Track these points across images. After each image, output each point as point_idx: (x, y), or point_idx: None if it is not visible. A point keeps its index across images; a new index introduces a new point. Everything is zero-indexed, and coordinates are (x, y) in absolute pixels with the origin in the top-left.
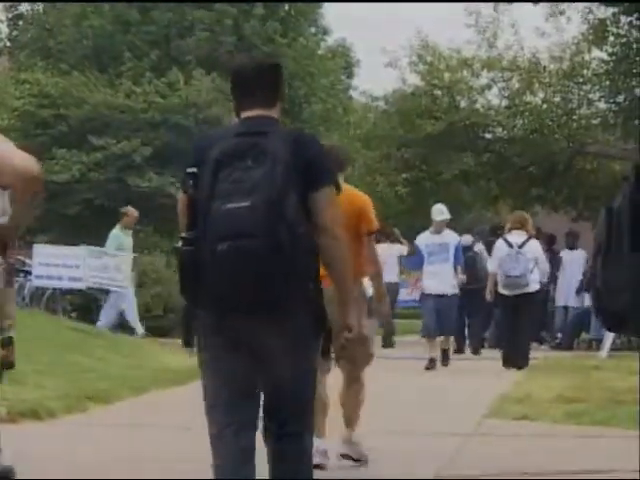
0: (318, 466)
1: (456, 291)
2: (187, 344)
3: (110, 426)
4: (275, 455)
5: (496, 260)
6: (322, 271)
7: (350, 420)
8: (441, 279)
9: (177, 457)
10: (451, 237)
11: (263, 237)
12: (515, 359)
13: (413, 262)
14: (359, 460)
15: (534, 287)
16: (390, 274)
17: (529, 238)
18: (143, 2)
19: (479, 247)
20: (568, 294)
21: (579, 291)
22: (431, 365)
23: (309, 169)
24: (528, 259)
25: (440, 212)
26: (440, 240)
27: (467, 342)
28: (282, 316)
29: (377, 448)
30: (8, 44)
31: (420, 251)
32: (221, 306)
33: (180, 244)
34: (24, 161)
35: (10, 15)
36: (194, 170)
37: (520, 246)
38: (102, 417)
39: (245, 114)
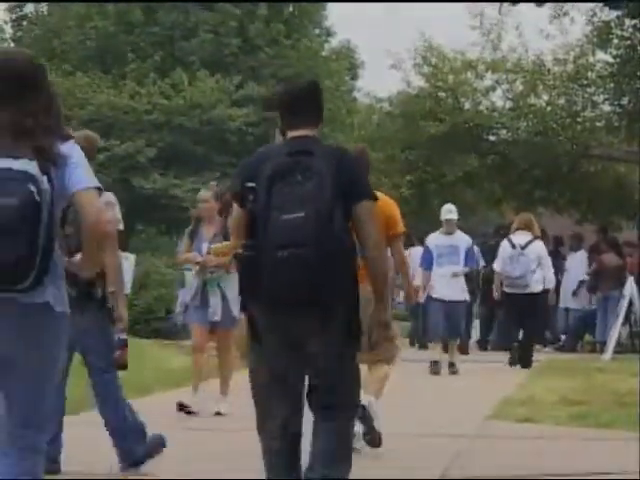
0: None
1: (467, 297)
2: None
3: None
4: (319, 436)
5: (500, 260)
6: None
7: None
8: (451, 284)
9: (178, 457)
10: (463, 240)
11: (315, 246)
12: (520, 358)
13: (426, 260)
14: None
15: (537, 288)
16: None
17: (533, 239)
18: (148, 1)
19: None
20: (570, 296)
21: (574, 293)
22: (436, 369)
23: (351, 185)
24: (530, 260)
25: (448, 211)
26: (450, 241)
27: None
28: (328, 314)
29: (380, 450)
30: (12, 45)
31: (430, 251)
32: (277, 305)
33: (242, 250)
34: (94, 216)
35: (14, 16)
36: (253, 185)
37: (523, 247)
38: None
39: (292, 134)
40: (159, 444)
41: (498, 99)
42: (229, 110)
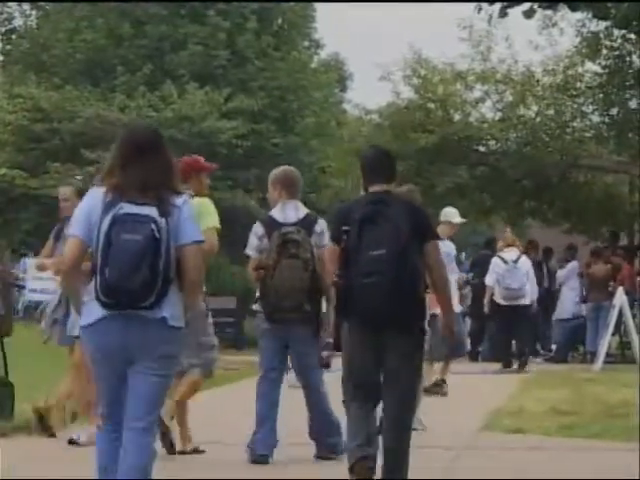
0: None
1: (460, 308)
2: (337, 348)
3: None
4: (390, 422)
5: (494, 275)
6: None
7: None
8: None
9: (177, 458)
10: (450, 247)
11: (393, 275)
12: (520, 363)
13: None
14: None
15: (528, 300)
16: None
17: (521, 255)
18: (141, 1)
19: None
20: (564, 307)
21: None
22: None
23: (421, 228)
24: (523, 273)
25: (457, 214)
26: (443, 248)
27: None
28: (403, 328)
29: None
30: (1, 58)
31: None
32: (365, 320)
33: (337, 279)
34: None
35: (3, 29)
36: (347, 228)
37: (515, 261)
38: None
39: (372, 188)
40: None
41: (488, 110)
42: (218, 123)
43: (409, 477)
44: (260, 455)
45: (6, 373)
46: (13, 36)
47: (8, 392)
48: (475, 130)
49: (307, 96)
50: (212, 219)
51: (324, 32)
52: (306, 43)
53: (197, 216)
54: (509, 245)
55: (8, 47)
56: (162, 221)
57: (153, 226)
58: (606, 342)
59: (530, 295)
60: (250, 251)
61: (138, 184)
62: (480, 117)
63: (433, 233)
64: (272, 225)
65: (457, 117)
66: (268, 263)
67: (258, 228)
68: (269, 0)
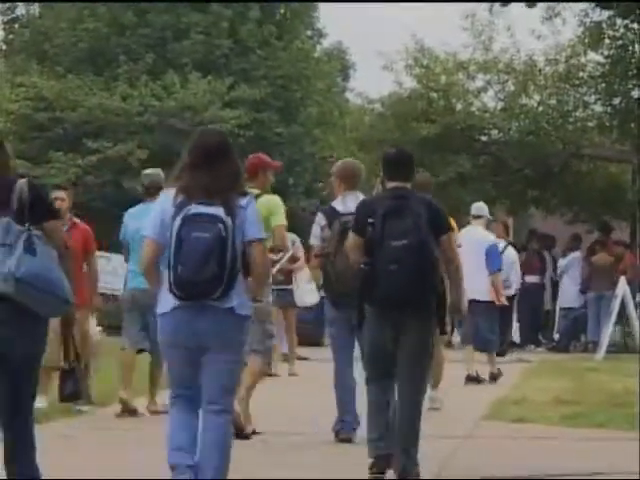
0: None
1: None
2: (359, 326)
3: (111, 429)
4: (403, 397)
5: None
6: None
7: (436, 382)
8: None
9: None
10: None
11: (414, 263)
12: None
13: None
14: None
15: (514, 289)
16: None
17: (507, 245)
18: (139, 1)
19: None
20: (567, 296)
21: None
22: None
23: (437, 221)
24: (509, 264)
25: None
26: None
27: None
28: (422, 308)
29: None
30: (4, 47)
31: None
32: (386, 303)
33: (363, 266)
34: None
35: (5, 19)
36: (372, 220)
37: (501, 252)
38: (103, 420)
39: (391, 185)
40: None
41: (490, 100)
42: (221, 112)
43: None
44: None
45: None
46: (15, 25)
47: (76, 376)
48: (477, 120)
49: (310, 85)
50: (282, 217)
51: (327, 21)
52: (309, 32)
53: (268, 213)
54: (499, 236)
55: (10, 36)
56: (228, 220)
57: (220, 225)
58: (609, 332)
59: (514, 286)
60: (314, 240)
61: (206, 186)
62: (482, 107)
63: (447, 227)
64: (333, 215)
65: (459, 107)
66: (329, 251)
67: (320, 218)
68: (271, 0)
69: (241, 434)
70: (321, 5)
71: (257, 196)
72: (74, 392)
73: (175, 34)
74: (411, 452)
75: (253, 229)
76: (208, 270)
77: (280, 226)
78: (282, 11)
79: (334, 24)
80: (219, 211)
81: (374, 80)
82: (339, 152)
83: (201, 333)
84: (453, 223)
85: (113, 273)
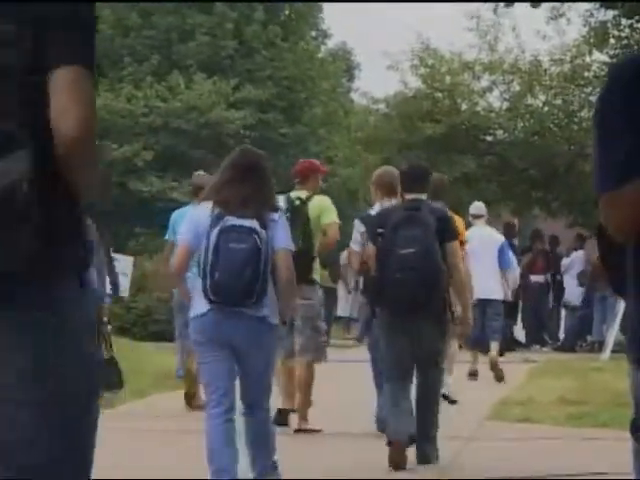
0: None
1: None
2: (368, 326)
3: (110, 430)
4: (422, 389)
5: None
6: None
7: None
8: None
9: (177, 460)
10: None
11: (422, 270)
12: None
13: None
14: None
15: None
16: None
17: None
18: (145, 1)
19: None
20: (572, 296)
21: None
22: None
23: (444, 230)
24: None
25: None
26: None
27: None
28: (430, 314)
29: (376, 453)
30: None
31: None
32: (398, 308)
33: (374, 273)
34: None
35: None
36: (382, 231)
37: None
38: (103, 421)
39: (408, 196)
40: None
41: (495, 100)
42: (226, 113)
43: (415, 466)
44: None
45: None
46: None
47: (115, 369)
48: (482, 120)
49: (315, 86)
50: (333, 215)
51: (331, 22)
52: (313, 33)
53: (320, 212)
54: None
55: None
56: (263, 232)
57: (256, 237)
58: (614, 332)
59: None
60: (354, 245)
61: (244, 201)
62: (487, 107)
63: (452, 235)
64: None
65: (464, 107)
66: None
67: (359, 225)
68: (274, 0)
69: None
70: (325, 6)
71: (308, 198)
72: (114, 382)
73: (180, 35)
74: (431, 435)
75: (282, 240)
76: (244, 278)
77: (331, 224)
78: (287, 12)
79: (339, 25)
80: (254, 224)
81: (379, 80)
82: (344, 152)
83: (233, 337)
84: (461, 224)
85: (123, 274)
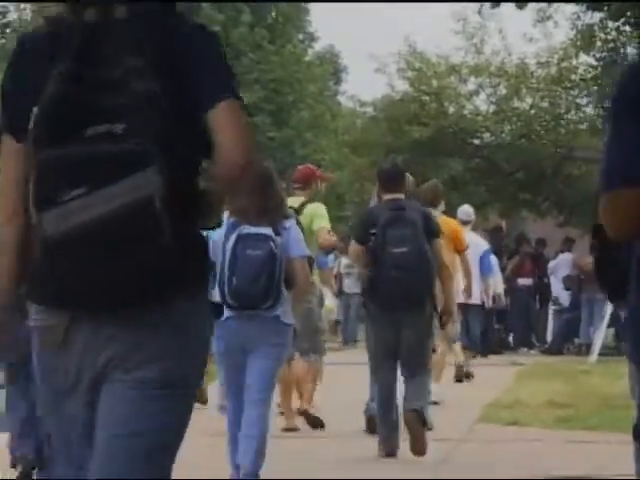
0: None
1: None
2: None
3: None
4: (408, 387)
5: None
6: None
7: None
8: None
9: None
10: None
11: (416, 269)
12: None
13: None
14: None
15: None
16: None
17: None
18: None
19: None
20: (559, 298)
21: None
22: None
23: (429, 228)
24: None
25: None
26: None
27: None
28: (421, 307)
29: (369, 454)
30: None
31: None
32: (390, 304)
33: (366, 272)
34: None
35: None
36: (374, 231)
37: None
38: None
39: (387, 197)
40: None
41: (482, 103)
42: None
43: (405, 468)
44: None
45: None
46: (8, 30)
47: None
48: (469, 123)
49: (302, 89)
50: (323, 221)
51: (318, 25)
52: (300, 36)
53: (312, 219)
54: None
55: (2, 41)
56: (277, 239)
57: (272, 243)
58: (602, 334)
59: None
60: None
61: (259, 209)
62: (474, 110)
63: (437, 233)
64: None
65: (451, 110)
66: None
67: None
68: (263, 0)
69: (317, 423)
70: (313, 9)
71: (303, 204)
72: None
73: None
74: (420, 407)
75: (297, 247)
76: (261, 283)
77: (321, 228)
78: (274, 15)
79: (326, 28)
80: (269, 231)
81: (366, 83)
82: (331, 155)
83: (248, 339)
84: (461, 232)
85: None
